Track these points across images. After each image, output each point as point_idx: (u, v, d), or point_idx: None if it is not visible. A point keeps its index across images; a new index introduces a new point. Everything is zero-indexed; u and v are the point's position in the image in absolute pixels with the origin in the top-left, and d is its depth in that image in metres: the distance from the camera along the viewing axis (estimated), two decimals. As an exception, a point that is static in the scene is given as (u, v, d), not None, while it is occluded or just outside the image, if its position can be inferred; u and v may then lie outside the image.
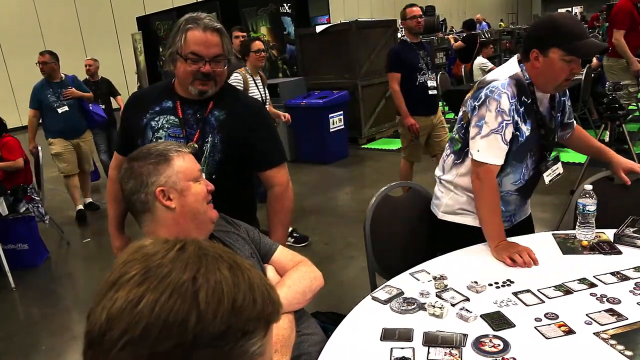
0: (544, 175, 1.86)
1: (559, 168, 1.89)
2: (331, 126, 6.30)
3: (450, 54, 11.37)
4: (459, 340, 1.24)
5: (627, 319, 1.28)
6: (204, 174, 1.58)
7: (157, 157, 1.27)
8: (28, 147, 4.57)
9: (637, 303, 1.35)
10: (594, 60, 5.99)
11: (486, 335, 1.26)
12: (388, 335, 1.30)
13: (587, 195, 1.71)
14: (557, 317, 1.32)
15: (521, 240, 1.76)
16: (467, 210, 1.90)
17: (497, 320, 1.32)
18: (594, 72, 6.14)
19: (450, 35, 12.70)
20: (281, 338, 1.18)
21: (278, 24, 8.24)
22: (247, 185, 1.87)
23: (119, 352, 0.52)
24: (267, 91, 3.96)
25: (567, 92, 1.96)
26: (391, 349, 1.24)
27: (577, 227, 1.76)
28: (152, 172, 1.25)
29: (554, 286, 1.47)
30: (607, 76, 5.13)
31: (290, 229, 3.97)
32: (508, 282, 1.51)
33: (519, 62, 1.79)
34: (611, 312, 1.32)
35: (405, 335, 1.29)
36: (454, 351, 1.20)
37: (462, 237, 1.88)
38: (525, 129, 1.76)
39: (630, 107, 5.25)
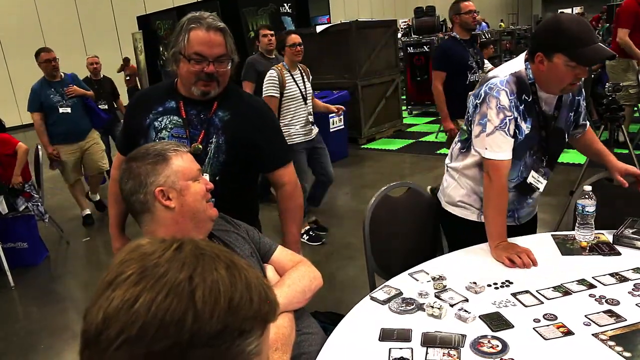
0: (527, 180, 1.85)
1: (542, 186, 1.88)
2: (331, 126, 6.30)
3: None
4: (458, 341, 1.24)
5: (626, 320, 1.28)
6: (207, 176, 1.58)
7: (155, 157, 1.26)
8: (46, 153, 4.48)
9: (636, 304, 1.35)
10: None
11: (485, 336, 1.26)
12: (386, 335, 1.30)
13: (587, 197, 1.71)
14: (556, 318, 1.32)
15: (520, 240, 1.76)
16: (466, 204, 1.92)
17: (496, 321, 1.32)
18: (594, 73, 6.14)
19: (451, 36, 12.66)
20: (282, 336, 1.18)
21: (278, 24, 8.23)
22: (251, 187, 1.86)
23: (115, 352, 0.52)
24: (308, 85, 3.76)
25: (583, 92, 1.91)
26: (389, 349, 1.24)
27: (576, 228, 1.76)
28: (150, 172, 1.24)
29: (552, 287, 1.47)
30: (609, 76, 5.13)
31: (308, 227, 3.97)
32: (507, 283, 1.51)
33: (526, 60, 1.76)
34: (610, 313, 1.31)
35: (403, 335, 1.29)
36: (453, 352, 1.20)
37: (462, 229, 1.93)
38: (525, 127, 1.76)
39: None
